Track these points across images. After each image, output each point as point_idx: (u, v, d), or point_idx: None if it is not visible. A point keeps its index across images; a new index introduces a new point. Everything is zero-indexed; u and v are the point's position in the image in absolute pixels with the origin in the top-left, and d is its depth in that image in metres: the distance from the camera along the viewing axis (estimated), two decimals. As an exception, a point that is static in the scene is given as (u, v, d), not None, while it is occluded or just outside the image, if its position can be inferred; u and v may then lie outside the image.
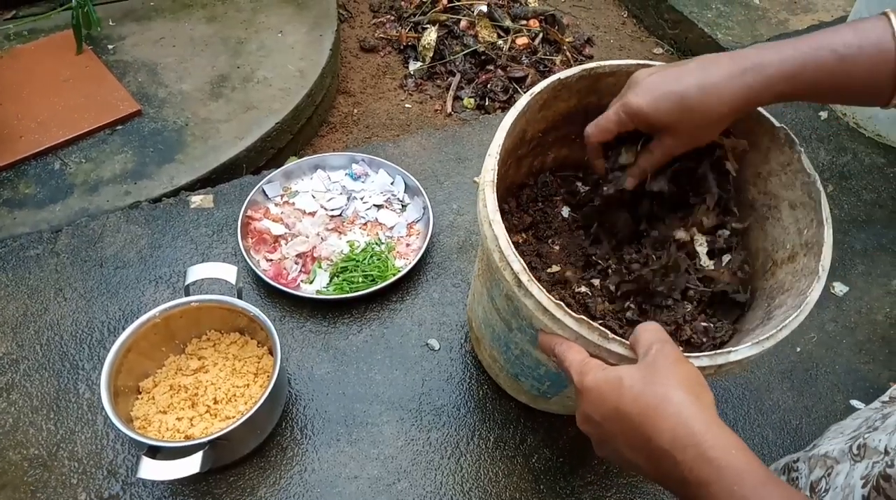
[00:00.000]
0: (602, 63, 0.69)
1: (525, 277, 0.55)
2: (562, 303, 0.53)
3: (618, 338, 0.52)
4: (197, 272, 0.81)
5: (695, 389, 0.46)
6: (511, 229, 0.78)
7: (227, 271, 0.81)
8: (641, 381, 0.46)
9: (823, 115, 1.31)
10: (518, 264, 0.55)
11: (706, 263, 0.69)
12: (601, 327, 0.52)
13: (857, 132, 1.28)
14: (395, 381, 0.88)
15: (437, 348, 0.91)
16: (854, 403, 0.89)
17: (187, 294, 0.82)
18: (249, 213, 1.02)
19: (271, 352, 0.80)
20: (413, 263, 0.97)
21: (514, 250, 0.56)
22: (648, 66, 0.64)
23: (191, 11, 1.56)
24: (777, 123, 0.65)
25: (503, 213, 0.80)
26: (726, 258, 0.68)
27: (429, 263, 1.01)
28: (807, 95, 0.56)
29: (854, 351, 0.96)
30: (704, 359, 0.52)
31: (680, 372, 0.46)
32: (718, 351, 0.53)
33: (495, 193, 0.60)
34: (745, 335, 0.63)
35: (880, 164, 1.23)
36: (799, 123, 1.29)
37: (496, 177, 0.61)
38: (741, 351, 0.54)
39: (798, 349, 0.95)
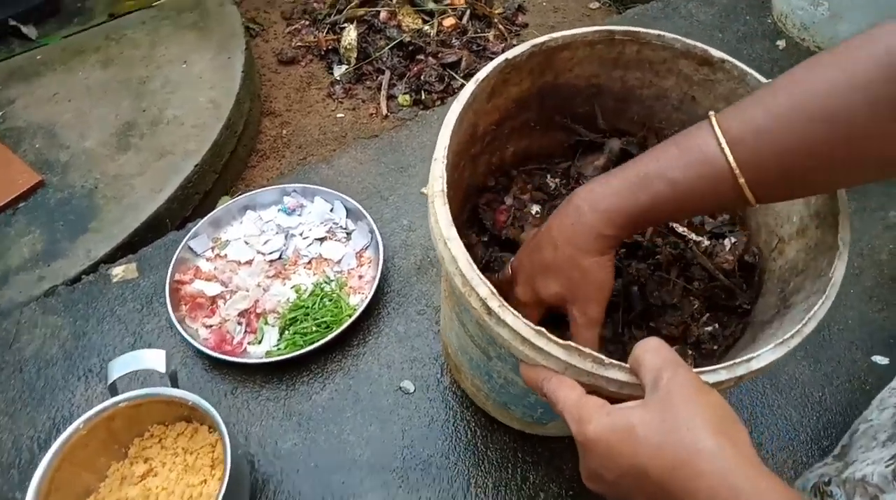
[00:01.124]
0: (553, 35, 0.59)
1: (495, 303, 0.45)
2: (543, 329, 0.43)
3: (616, 363, 0.42)
4: (118, 368, 0.70)
5: (725, 428, 0.36)
6: (477, 237, 0.69)
7: (154, 359, 0.70)
8: (659, 427, 0.37)
9: (781, 44, 1.22)
10: (484, 288, 0.45)
11: (706, 246, 0.60)
12: (594, 353, 0.42)
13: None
14: (372, 438, 0.77)
15: (411, 391, 0.81)
16: (876, 359, 0.81)
17: (114, 393, 0.70)
18: (178, 277, 0.90)
19: (224, 439, 0.70)
20: (370, 296, 0.86)
21: (477, 272, 0.46)
22: (608, 31, 0.60)
23: (83, 58, 1.42)
24: (763, 80, 0.56)
25: (465, 222, 0.70)
26: (728, 243, 0.59)
27: (387, 292, 0.91)
28: (662, 220, 0.54)
29: (864, 300, 0.87)
30: (723, 372, 0.43)
31: (703, 407, 0.37)
32: (737, 361, 0.44)
33: (447, 205, 0.50)
34: (759, 328, 0.54)
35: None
36: (758, 57, 1.20)
37: (446, 185, 0.51)
38: (764, 356, 0.44)
39: (803, 308, 0.86)
